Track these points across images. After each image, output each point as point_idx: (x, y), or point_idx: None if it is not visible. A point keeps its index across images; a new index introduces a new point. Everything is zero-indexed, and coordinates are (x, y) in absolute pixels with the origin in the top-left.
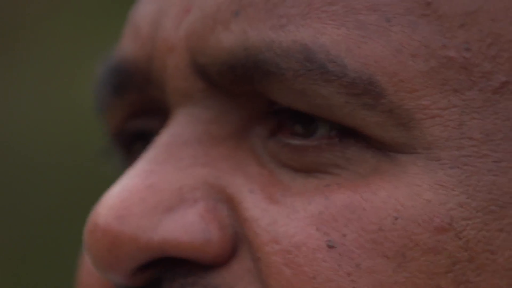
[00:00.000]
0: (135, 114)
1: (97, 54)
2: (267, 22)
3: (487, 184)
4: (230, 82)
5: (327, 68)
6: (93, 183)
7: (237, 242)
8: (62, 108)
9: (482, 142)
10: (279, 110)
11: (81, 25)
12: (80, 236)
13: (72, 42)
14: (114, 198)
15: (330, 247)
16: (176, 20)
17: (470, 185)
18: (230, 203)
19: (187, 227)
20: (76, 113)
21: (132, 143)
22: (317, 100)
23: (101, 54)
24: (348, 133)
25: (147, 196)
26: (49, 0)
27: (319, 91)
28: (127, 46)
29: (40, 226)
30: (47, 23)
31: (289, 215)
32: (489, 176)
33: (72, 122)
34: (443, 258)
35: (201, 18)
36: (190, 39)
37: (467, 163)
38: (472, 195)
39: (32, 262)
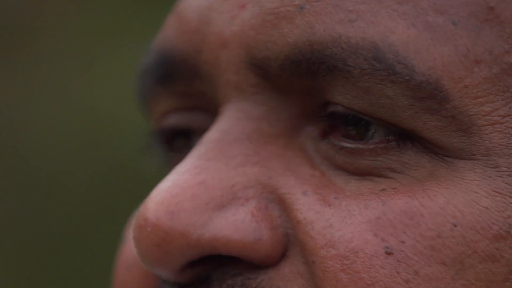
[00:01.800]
0: (179, 108)
1: (115, 55)
2: (334, 16)
3: None
4: (291, 76)
5: (395, 69)
6: (111, 188)
7: (288, 243)
8: (81, 111)
9: None
10: (332, 113)
11: (100, 26)
12: (97, 242)
13: (91, 43)
14: (164, 193)
15: (388, 253)
16: (229, 15)
17: None
18: (282, 204)
19: (238, 225)
20: (95, 116)
21: (173, 139)
22: (381, 100)
23: (119, 55)
24: (405, 137)
25: (199, 192)
26: (68, 2)
27: (384, 91)
28: (172, 37)
29: (55, 232)
30: (66, 24)
31: (345, 219)
32: None
33: (90, 125)
34: (500, 266)
35: (260, 14)
36: (246, 34)
37: None
38: None
39: (50, 268)
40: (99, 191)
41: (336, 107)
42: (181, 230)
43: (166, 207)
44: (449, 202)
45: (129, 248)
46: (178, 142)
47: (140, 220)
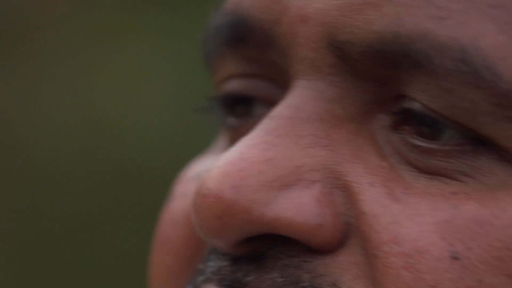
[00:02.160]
0: (243, 73)
1: (115, 56)
2: (424, 10)
3: None
4: (372, 64)
5: (481, 74)
6: (110, 188)
7: (348, 232)
8: (79, 111)
9: None
10: (406, 110)
11: (99, 26)
12: (97, 242)
13: (90, 44)
14: (231, 166)
15: (454, 258)
16: None
17: None
18: (347, 191)
19: (301, 208)
20: (94, 116)
21: (233, 104)
22: (462, 103)
23: (119, 56)
24: (480, 143)
25: (265, 169)
26: (67, 2)
27: (466, 94)
28: (248, 2)
29: (53, 232)
30: (65, 24)
31: (413, 218)
32: None
33: (89, 125)
34: None
35: None
36: (329, 13)
37: None
38: None
39: (47, 267)
40: (98, 191)
41: (412, 104)
42: (244, 205)
43: (231, 180)
44: None
45: (177, 204)
46: (239, 108)
47: (203, 189)
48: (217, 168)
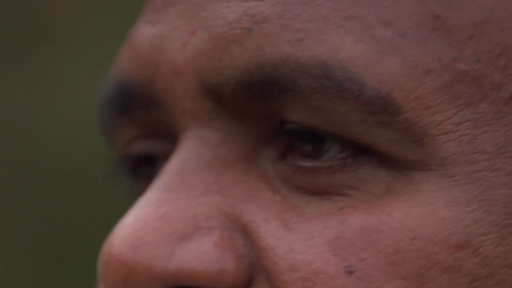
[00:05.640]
0: (141, 135)
1: None
2: (282, 37)
3: (501, 198)
4: (245, 100)
5: (345, 86)
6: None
7: (253, 272)
8: (93, 111)
9: (495, 155)
10: (288, 131)
11: (114, 26)
12: (92, 243)
13: (104, 44)
14: (127, 228)
15: (349, 272)
16: (181, 43)
17: (484, 200)
18: (245, 232)
19: (202, 256)
20: None
21: (137, 166)
22: (333, 117)
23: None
24: (360, 152)
25: (161, 225)
26: (80, 2)
27: (335, 109)
28: (127, 68)
29: (66, 232)
30: (79, 24)
31: (306, 242)
32: (503, 190)
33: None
34: (462, 276)
35: (210, 39)
36: (198, 61)
37: (480, 178)
38: (487, 210)
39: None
40: (110, 191)
41: (292, 125)
42: (145, 264)
43: (129, 242)
44: (406, 216)
45: None
46: (143, 170)
47: (105, 256)
48: (116, 233)
